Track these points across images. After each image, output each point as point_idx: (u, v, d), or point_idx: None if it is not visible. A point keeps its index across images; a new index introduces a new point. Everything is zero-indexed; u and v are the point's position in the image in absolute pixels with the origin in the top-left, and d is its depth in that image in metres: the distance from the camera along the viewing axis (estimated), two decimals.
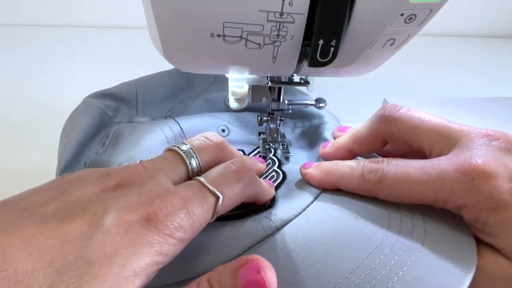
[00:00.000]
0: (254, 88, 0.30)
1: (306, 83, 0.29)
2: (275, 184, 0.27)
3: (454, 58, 0.76)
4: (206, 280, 0.17)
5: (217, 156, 0.24)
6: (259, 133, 0.34)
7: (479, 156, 0.20)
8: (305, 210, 0.24)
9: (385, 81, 0.61)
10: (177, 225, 0.17)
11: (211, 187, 0.20)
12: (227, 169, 0.22)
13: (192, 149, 0.23)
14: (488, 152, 0.21)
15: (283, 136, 0.33)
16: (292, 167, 0.30)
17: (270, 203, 0.24)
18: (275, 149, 0.32)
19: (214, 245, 0.21)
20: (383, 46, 0.22)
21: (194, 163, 0.22)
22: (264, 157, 0.31)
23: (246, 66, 0.25)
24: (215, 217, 0.20)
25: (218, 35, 0.20)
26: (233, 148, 0.26)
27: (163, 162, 0.21)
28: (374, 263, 0.19)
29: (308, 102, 0.32)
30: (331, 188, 0.25)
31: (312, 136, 0.34)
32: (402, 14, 0.19)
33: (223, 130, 0.32)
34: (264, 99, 0.31)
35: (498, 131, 0.22)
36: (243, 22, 0.19)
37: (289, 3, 0.18)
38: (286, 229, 0.22)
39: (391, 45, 0.22)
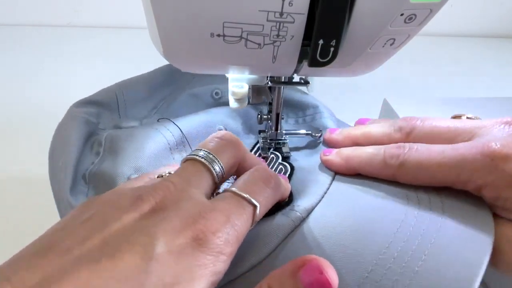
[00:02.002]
0: (254, 88, 0.30)
1: (306, 83, 0.29)
2: (276, 166, 0.28)
3: (454, 58, 0.76)
4: (267, 285, 0.17)
5: (235, 155, 0.23)
6: (259, 131, 0.34)
7: (498, 139, 0.21)
8: (325, 196, 0.25)
9: (385, 81, 0.61)
10: (225, 240, 0.17)
11: (247, 196, 0.20)
12: (255, 177, 0.22)
13: (210, 153, 0.22)
14: (506, 135, 0.22)
15: (284, 134, 0.33)
16: (294, 158, 0.31)
17: (290, 197, 0.25)
18: (276, 148, 0.32)
19: (252, 245, 0.22)
20: (383, 46, 0.22)
21: (217, 168, 0.21)
22: (265, 157, 0.31)
23: (246, 66, 0.25)
24: (254, 225, 0.20)
25: (218, 35, 0.20)
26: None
27: (188, 174, 0.21)
28: (404, 237, 0.20)
29: (305, 132, 0.32)
30: (351, 174, 0.26)
31: (308, 126, 0.35)
32: (402, 14, 0.19)
33: (221, 130, 0.32)
34: (264, 99, 0.32)
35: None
36: (243, 22, 0.19)
37: (289, 3, 0.18)
38: (311, 217, 0.23)
39: (391, 45, 0.22)
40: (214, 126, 0.31)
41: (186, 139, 0.29)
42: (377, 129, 0.28)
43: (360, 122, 0.32)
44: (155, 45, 0.23)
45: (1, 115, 0.50)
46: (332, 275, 0.16)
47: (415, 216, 0.21)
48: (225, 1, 0.18)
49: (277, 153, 0.31)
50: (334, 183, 0.26)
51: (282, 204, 0.24)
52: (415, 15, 0.20)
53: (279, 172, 0.29)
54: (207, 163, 0.21)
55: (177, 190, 0.19)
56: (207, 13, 0.19)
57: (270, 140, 0.32)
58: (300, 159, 0.31)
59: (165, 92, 0.38)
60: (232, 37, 0.20)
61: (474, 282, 0.18)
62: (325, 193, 0.25)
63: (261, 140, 0.32)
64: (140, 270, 0.15)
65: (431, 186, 0.24)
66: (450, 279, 0.18)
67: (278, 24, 0.20)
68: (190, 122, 0.31)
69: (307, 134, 0.32)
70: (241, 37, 0.20)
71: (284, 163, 0.30)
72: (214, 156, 0.21)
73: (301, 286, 0.16)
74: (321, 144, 0.31)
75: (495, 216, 0.21)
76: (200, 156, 0.21)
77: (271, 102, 0.31)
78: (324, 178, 0.26)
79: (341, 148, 0.28)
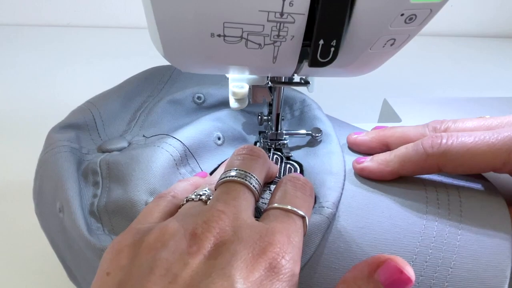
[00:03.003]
0: (254, 88, 0.30)
1: (306, 83, 0.29)
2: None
3: (454, 58, 0.76)
4: None
5: (264, 166, 0.23)
6: (259, 132, 0.34)
7: None
8: (345, 188, 0.25)
9: (385, 81, 0.61)
10: (294, 261, 0.17)
11: (295, 210, 0.20)
12: (293, 187, 0.22)
13: (242, 170, 0.21)
14: None
15: (284, 134, 0.33)
16: (312, 160, 0.30)
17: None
18: (276, 148, 0.32)
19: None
20: (383, 46, 0.22)
21: (254, 182, 0.21)
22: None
23: (246, 66, 0.25)
24: (304, 237, 0.20)
25: (218, 35, 0.20)
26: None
27: (230, 197, 0.20)
28: (428, 249, 0.21)
29: (305, 131, 0.32)
30: (393, 179, 0.25)
31: (299, 120, 0.35)
32: (402, 14, 0.19)
33: (219, 138, 0.31)
34: (264, 99, 0.31)
35: None
36: (243, 22, 0.19)
37: (290, 3, 0.18)
38: (340, 214, 0.24)
39: (391, 45, 0.22)
40: (211, 134, 0.31)
41: (190, 151, 0.29)
42: (410, 128, 0.27)
43: (378, 128, 0.30)
44: (155, 45, 0.23)
45: (1, 115, 0.50)
46: (411, 272, 0.16)
47: (435, 227, 0.21)
48: (225, 1, 0.18)
49: (279, 153, 0.31)
50: (347, 176, 0.26)
51: None
52: (415, 15, 0.20)
53: (289, 171, 0.29)
54: (243, 181, 0.21)
55: (230, 219, 0.18)
56: (207, 13, 0.19)
57: (270, 140, 0.32)
58: (299, 158, 0.31)
59: (138, 101, 0.36)
60: (233, 37, 0.20)
61: (504, 284, 0.18)
62: (344, 185, 0.25)
63: (261, 141, 0.32)
64: None
65: (449, 183, 0.23)
66: (480, 284, 0.18)
67: (278, 24, 0.20)
68: (188, 133, 0.30)
69: (307, 134, 0.32)
70: (241, 37, 0.20)
71: (291, 162, 0.30)
72: (246, 172, 0.21)
73: (382, 287, 0.16)
74: (321, 143, 0.31)
75: None
76: (233, 176, 0.21)
77: (271, 103, 0.31)
78: (335, 171, 0.26)
79: (376, 155, 0.26)
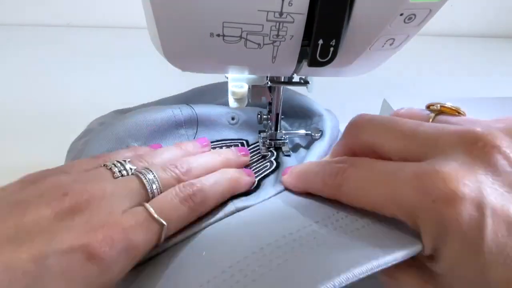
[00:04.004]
0: (254, 88, 0.30)
1: (305, 83, 0.29)
2: (266, 173, 0.29)
3: (454, 58, 0.76)
4: None
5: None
6: (259, 131, 0.34)
7: (450, 171, 0.17)
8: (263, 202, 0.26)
9: (385, 81, 0.61)
10: (115, 259, 0.19)
11: (156, 216, 0.21)
12: (180, 192, 0.23)
13: (156, 180, 0.23)
14: (461, 165, 0.17)
15: (283, 134, 0.33)
16: (289, 159, 0.31)
17: (250, 190, 0.27)
18: (276, 148, 0.32)
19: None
20: (382, 46, 0.22)
21: (155, 187, 0.23)
22: (264, 156, 0.31)
23: (245, 66, 0.25)
24: (161, 242, 0.21)
25: (218, 35, 0.20)
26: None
27: (125, 187, 0.22)
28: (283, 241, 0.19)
29: (305, 132, 0.32)
30: (304, 193, 0.24)
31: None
32: (401, 14, 0.19)
33: (233, 118, 0.34)
34: (264, 99, 0.32)
35: (480, 133, 0.17)
36: (243, 22, 0.19)
37: (289, 3, 0.18)
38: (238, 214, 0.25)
39: (390, 45, 0.22)
40: (227, 113, 0.34)
41: (197, 118, 0.32)
42: (338, 143, 0.26)
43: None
44: (155, 45, 0.23)
45: (1, 115, 0.50)
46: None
47: (312, 229, 0.19)
48: (224, 1, 0.18)
49: (274, 151, 0.32)
50: (279, 195, 0.26)
51: (240, 193, 0.26)
52: (414, 15, 0.20)
53: (264, 167, 0.30)
54: (147, 185, 0.23)
55: (106, 196, 0.21)
56: (206, 13, 0.19)
57: (270, 140, 0.32)
58: (300, 159, 0.31)
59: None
60: (232, 37, 0.20)
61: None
62: (265, 199, 0.26)
63: (261, 140, 0.33)
64: (29, 275, 0.16)
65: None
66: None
67: (277, 24, 0.20)
68: (205, 108, 0.33)
69: (307, 134, 0.32)
70: (240, 37, 0.20)
71: (273, 161, 0.31)
72: (157, 181, 0.23)
73: None
74: (316, 143, 0.31)
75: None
76: (146, 178, 0.23)
77: (271, 102, 0.31)
78: (276, 187, 0.27)
79: (297, 165, 0.26)
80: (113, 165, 0.24)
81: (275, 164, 0.30)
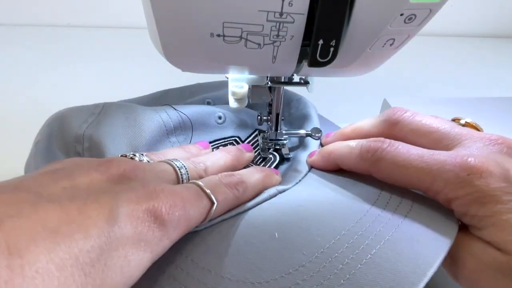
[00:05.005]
0: (254, 88, 0.30)
1: (306, 83, 0.29)
2: (273, 166, 0.30)
3: (454, 58, 0.76)
4: None
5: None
6: (259, 132, 0.34)
7: (478, 156, 0.20)
8: (299, 183, 0.26)
9: (385, 81, 0.61)
10: (175, 225, 0.18)
11: (208, 191, 0.20)
12: (223, 179, 0.23)
13: (184, 166, 0.23)
14: (487, 153, 0.21)
15: (283, 135, 0.33)
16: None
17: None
18: (276, 149, 0.32)
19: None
20: (383, 46, 0.22)
21: (184, 172, 0.23)
22: (264, 158, 0.31)
23: (246, 66, 0.25)
24: (206, 221, 0.21)
25: (218, 35, 0.20)
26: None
27: (158, 166, 0.22)
28: (358, 232, 0.20)
29: (305, 132, 0.32)
30: (335, 169, 0.27)
31: (294, 119, 0.36)
32: (402, 14, 0.19)
33: (220, 117, 0.33)
34: (264, 99, 0.32)
35: (501, 136, 0.22)
36: (243, 22, 0.19)
37: (289, 3, 0.18)
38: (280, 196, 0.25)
39: (391, 45, 0.22)
40: (214, 113, 0.32)
41: (191, 122, 0.31)
42: (366, 121, 0.28)
43: (328, 135, 0.31)
44: (155, 45, 0.23)
45: (1, 115, 0.50)
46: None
47: (376, 215, 0.21)
48: (225, 1, 0.18)
49: (275, 154, 0.32)
50: (310, 174, 0.27)
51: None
52: (414, 15, 0.20)
53: (268, 160, 0.31)
54: (180, 177, 0.23)
55: (146, 169, 0.21)
56: (206, 13, 0.19)
57: (270, 140, 0.32)
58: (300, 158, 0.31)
59: None
60: (232, 37, 0.20)
61: (421, 281, 0.17)
62: (300, 181, 0.27)
63: (261, 141, 0.33)
64: (103, 233, 0.15)
65: (407, 189, 0.23)
66: (393, 274, 0.18)
67: (278, 24, 0.20)
68: (191, 108, 0.32)
69: (307, 134, 0.32)
70: (241, 37, 0.20)
71: (275, 153, 0.32)
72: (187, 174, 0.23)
73: None
74: (319, 143, 0.31)
75: (462, 229, 0.21)
76: (181, 172, 0.23)
77: (271, 103, 0.31)
78: (302, 168, 0.28)
79: (322, 148, 0.28)
80: (132, 155, 0.23)
81: (277, 157, 0.31)
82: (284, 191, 0.25)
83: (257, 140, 0.33)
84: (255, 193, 0.24)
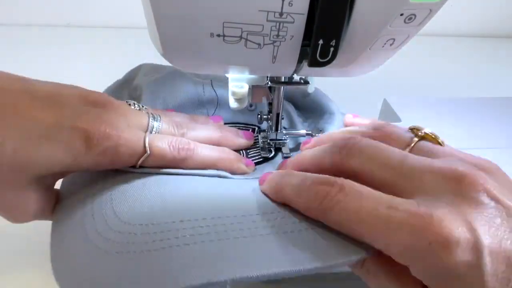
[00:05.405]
0: (254, 88, 0.30)
1: (306, 83, 0.29)
2: (261, 159, 0.31)
3: (454, 58, 0.76)
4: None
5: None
6: (260, 131, 0.34)
7: (444, 211, 0.17)
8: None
9: (385, 81, 0.61)
10: (101, 150, 0.22)
11: (147, 141, 0.24)
12: (173, 140, 0.25)
13: (158, 125, 0.27)
14: (453, 204, 0.17)
15: (284, 134, 0.33)
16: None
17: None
18: (276, 149, 0.32)
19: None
20: (383, 46, 0.22)
21: (154, 128, 0.26)
22: (265, 158, 0.31)
23: (246, 66, 0.25)
24: (137, 166, 0.24)
25: (218, 35, 0.20)
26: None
27: (136, 113, 0.26)
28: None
29: (306, 132, 0.33)
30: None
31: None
32: (402, 14, 0.19)
33: (251, 105, 0.35)
34: (264, 99, 0.32)
35: (463, 170, 0.18)
36: (243, 22, 0.20)
37: (289, 3, 0.18)
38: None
39: (391, 45, 0.22)
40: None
41: (218, 100, 0.34)
42: (312, 153, 0.25)
43: (305, 142, 0.30)
44: (155, 45, 0.23)
45: None
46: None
47: (253, 220, 0.21)
48: (225, 1, 0.18)
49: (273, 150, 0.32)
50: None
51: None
52: (414, 15, 0.20)
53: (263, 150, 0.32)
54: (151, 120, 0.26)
55: (117, 106, 0.25)
56: (207, 13, 0.19)
57: (270, 140, 0.32)
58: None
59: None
60: (232, 37, 0.20)
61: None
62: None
63: (261, 140, 0.33)
64: (53, 125, 0.21)
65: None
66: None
67: (278, 24, 0.20)
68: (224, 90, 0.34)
69: (307, 134, 0.32)
70: (241, 37, 0.20)
71: (272, 150, 0.32)
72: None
73: None
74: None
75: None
76: (153, 119, 0.27)
77: (271, 102, 0.31)
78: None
79: (272, 173, 0.24)
80: (133, 103, 0.28)
81: (273, 152, 0.32)
82: (224, 177, 0.26)
83: (258, 140, 0.33)
84: (201, 166, 0.26)
